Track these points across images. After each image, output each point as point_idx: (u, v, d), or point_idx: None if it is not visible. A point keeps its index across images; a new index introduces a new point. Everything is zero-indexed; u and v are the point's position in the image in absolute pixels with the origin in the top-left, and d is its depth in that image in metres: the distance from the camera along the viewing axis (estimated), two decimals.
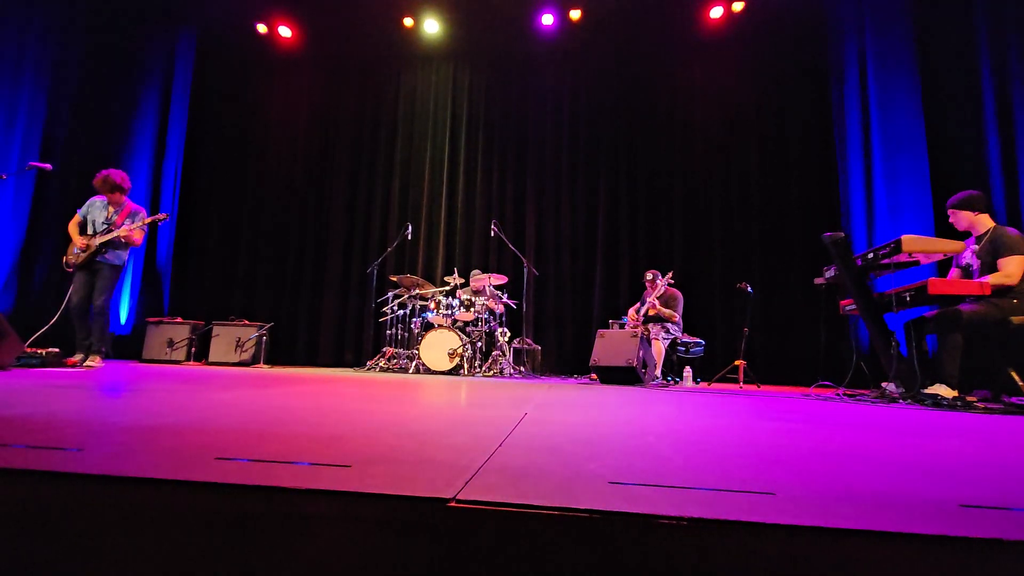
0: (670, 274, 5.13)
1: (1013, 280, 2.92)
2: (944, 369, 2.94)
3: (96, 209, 4.07)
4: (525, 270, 6.02)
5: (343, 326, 6.94)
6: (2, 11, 5.62)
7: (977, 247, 3.15)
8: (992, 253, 3.04)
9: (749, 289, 4.90)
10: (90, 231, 4.02)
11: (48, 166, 4.04)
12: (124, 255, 4.11)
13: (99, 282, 3.97)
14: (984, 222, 3.17)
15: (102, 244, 3.93)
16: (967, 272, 3.21)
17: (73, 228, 4.03)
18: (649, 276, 5.24)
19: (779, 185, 6.38)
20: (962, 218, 3.24)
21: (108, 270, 3.98)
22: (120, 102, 6.77)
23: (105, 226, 4.00)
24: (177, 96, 7.08)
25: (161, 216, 4.30)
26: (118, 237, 3.96)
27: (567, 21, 6.84)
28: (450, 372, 4.98)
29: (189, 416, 1.25)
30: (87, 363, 3.80)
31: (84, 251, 3.92)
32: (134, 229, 4.01)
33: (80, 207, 4.12)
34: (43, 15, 5.95)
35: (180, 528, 0.60)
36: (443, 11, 6.96)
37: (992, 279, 2.93)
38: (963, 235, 3.34)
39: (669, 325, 5.10)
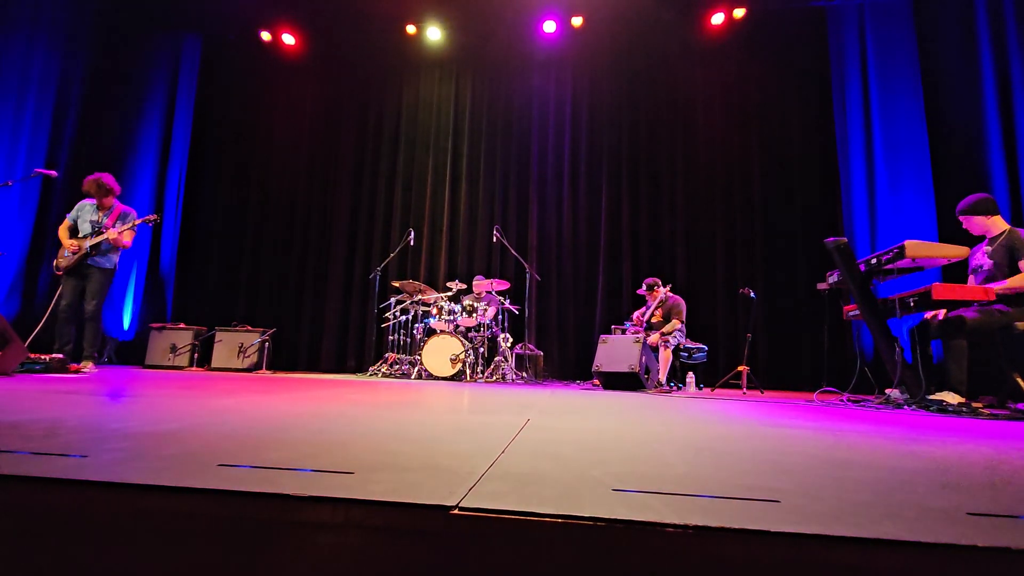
0: (668, 287, 5.15)
1: None
2: (951, 375, 2.92)
3: (85, 212, 4.04)
4: (527, 275, 6.03)
5: (346, 332, 6.94)
6: (8, 17, 5.69)
7: (990, 248, 3.12)
8: (1008, 256, 3.00)
9: (752, 294, 4.89)
10: (81, 234, 4.00)
11: (54, 173, 4.06)
12: (115, 258, 4.08)
13: (90, 286, 3.93)
14: (998, 224, 3.14)
15: (92, 246, 3.91)
16: (979, 275, 3.19)
17: (63, 232, 4.00)
18: (646, 286, 5.22)
19: (782, 190, 6.38)
20: (975, 223, 3.20)
21: (99, 274, 3.96)
22: (125, 109, 6.83)
23: (96, 229, 3.98)
24: (181, 103, 7.14)
25: (151, 217, 4.23)
26: (108, 239, 3.93)
27: (569, 28, 6.88)
28: (452, 378, 4.98)
29: (192, 422, 1.25)
30: (79, 368, 3.75)
31: (75, 254, 3.88)
32: (123, 231, 4.00)
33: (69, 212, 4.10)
34: (49, 22, 6.02)
35: (183, 535, 0.59)
36: (445, 19, 7.01)
37: (1011, 282, 2.89)
38: (975, 240, 3.31)
39: (674, 331, 5.09)
